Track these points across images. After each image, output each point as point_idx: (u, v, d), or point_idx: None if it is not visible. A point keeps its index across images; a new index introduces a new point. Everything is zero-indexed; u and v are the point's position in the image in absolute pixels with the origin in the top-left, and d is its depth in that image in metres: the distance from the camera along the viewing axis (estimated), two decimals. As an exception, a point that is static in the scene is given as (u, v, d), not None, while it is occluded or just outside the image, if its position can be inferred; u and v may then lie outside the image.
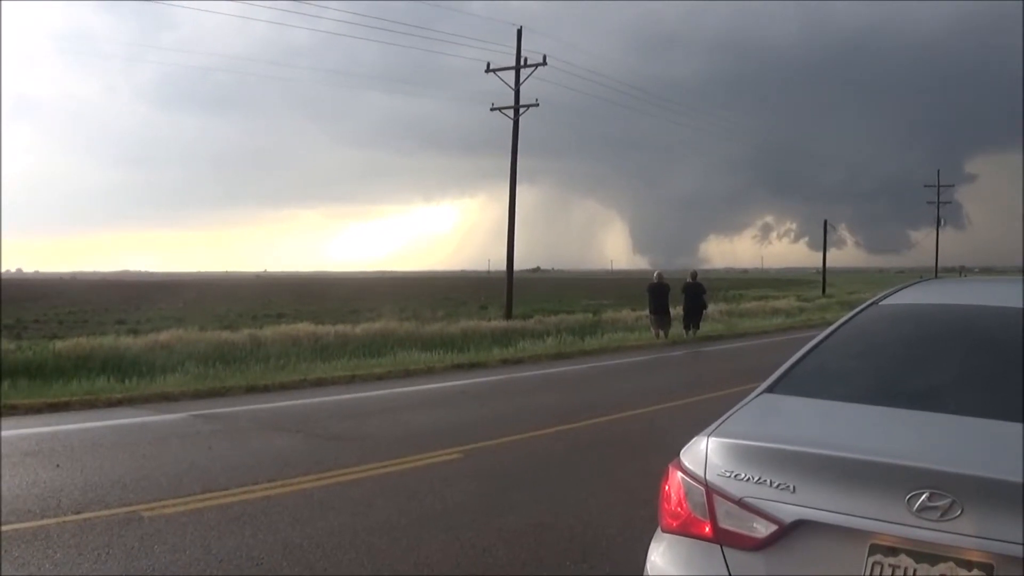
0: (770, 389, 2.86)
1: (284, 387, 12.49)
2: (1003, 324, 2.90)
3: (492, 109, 27.06)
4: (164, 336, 17.15)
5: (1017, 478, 2.00)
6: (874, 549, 2.15)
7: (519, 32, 26.53)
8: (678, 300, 22.46)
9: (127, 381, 12.30)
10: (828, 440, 2.38)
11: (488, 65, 26.84)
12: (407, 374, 14.37)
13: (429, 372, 14.77)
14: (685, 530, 2.50)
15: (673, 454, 2.68)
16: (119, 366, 13.70)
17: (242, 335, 18.33)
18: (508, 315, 25.92)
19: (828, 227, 54.44)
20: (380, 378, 13.80)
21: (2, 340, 15.39)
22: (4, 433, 8.69)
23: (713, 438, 2.51)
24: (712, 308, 26.56)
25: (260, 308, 40.75)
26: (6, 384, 11.65)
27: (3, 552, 4.93)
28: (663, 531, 2.61)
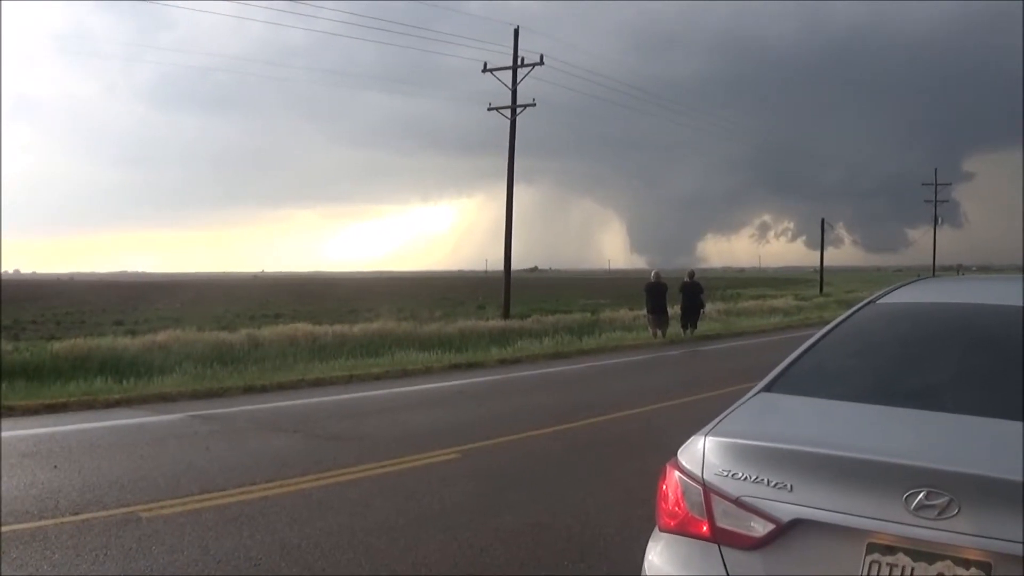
0: (767, 388, 2.86)
1: (282, 387, 12.48)
2: (1000, 323, 2.90)
3: (489, 109, 27.06)
4: (162, 337, 17.11)
5: (1014, 476, 2.00)
6: (871, 548, 2.15)
7: (516, 32, 26.54)
8: (676, 299, 22.47)
9: (125, 382, 12.29)
10: (825, 439, 2.38)
11: (485, 65, 26.85)
12: (405, 374, 14.37)
13: (427, 372, 14.76)
14: (683, 529, 2.50)
15: (671, 453, 2.68)
16: (117, 367, 13.68)
17: (240, 335, 18.30)
18: (506, 315, 25.92)
19: (826, 226, 54.53)
20: (378, 378, 13.80)
21: (1, 341, 15.36)
22: (2, 434, 8.67)
23: (710, 437, 2.51)
24: (709, 307, 26.57)
25: (258, 308, 40.75)
26: (4, 385, 11.62)
27: (1, 553, 4.93)
28: (661, 530, 2.61)
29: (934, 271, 60.27)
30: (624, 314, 27.05)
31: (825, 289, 54.19)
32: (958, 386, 2.66)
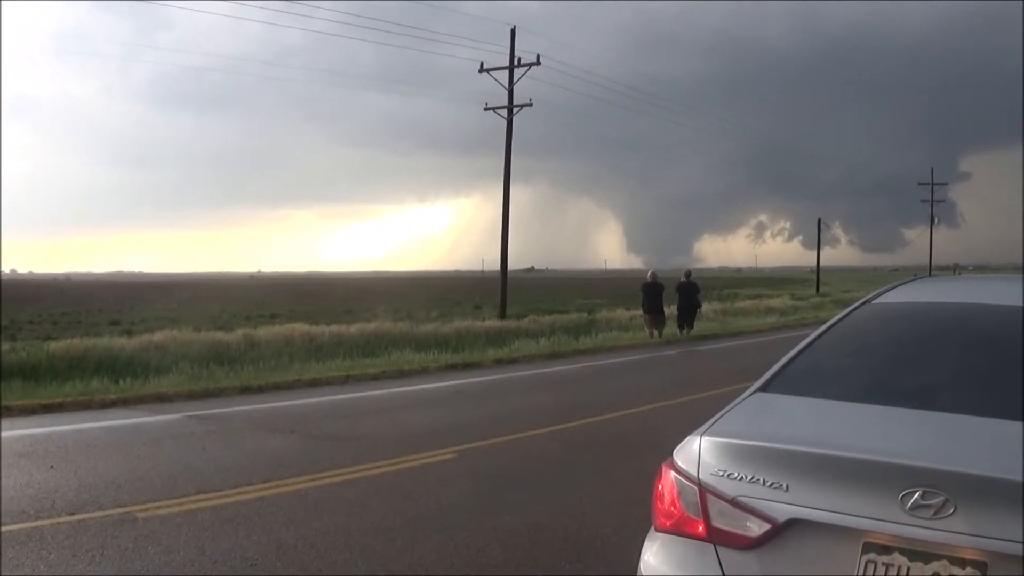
0: (763, 388, 2.86)
1: (278, 387, 12.47)
2: (997, 322, 2.90)
3: (486, 109, 27.06)
4: (158, 337, 17.10)
5: (1010, 476, 2.01)
6: (867, 547, 2.15)
7: (512, 32, 26.55)
8: (672, 299, 22.48)
9: (121, 382, 12.26)
10: (821, 439, 2.38)
11: (482, 65, 26.85)
12: (402, 374, 14.35)
13: (424, 372, 14.75)
14: (679, 529, 2.50)
15: (667, 453, 2.68)
16: (113, 367, 13.65)
17: (236, 335, 18.29)
18: (502, 315, 25.92)
19: (822, 226, 54.60)
20: (375, 378, 13.78)
21: (0, 341, 15.33)
22: (-3, 434, 8.66)
23: (706, 437, 2.51)
24: (706, 307, 26.58)
25: (254, 308, 40.71)
26: (0, 385, 11.60)
27: (-4, 554, 4.92)
28: (657, 530, 2.61)
29: (930, 271, 60.34)
30: (620, 314, 27.06)
31: (821, 289, 54.24)
32: (954, 386, 2.66)
